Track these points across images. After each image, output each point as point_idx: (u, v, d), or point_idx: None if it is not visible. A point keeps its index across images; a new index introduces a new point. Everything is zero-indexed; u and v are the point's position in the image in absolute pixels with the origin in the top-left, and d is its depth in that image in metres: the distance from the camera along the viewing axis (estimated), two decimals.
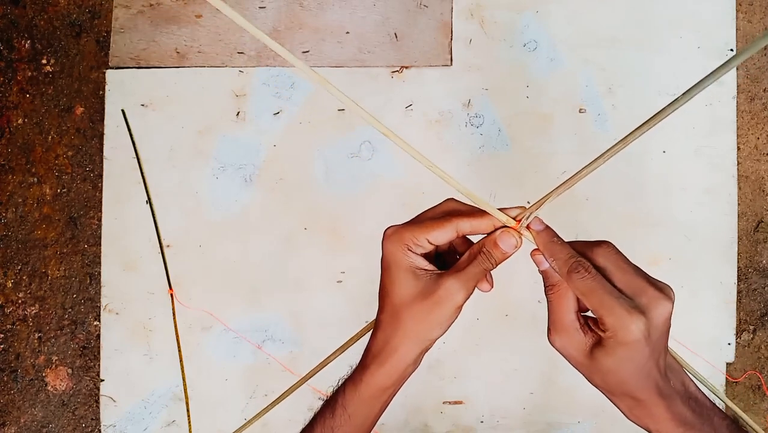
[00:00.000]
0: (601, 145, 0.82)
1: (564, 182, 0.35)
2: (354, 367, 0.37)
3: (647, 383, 0.33)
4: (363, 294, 0.81)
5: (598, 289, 0.32)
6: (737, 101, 0.82)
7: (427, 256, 0.35)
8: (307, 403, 0.77)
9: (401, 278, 0.34)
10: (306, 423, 0.38)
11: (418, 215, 0.36)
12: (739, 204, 0.82)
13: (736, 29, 0.83)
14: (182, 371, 0.80)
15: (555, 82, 0.82)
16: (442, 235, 0.34)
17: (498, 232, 0.35)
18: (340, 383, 0.37)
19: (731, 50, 0.83)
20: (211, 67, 0.83)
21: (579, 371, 0.34)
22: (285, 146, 0.82)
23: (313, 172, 0.82)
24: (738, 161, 0.82)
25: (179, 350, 0.80)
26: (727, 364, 0.81)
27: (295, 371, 0.79)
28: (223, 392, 0.80)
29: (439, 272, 0.34)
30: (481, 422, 0.80)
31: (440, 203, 0.36)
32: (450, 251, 0.39)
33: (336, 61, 0.83)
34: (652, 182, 0.81)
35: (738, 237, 0.81)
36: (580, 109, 0.82)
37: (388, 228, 0.35)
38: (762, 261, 0.83)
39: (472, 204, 0.35)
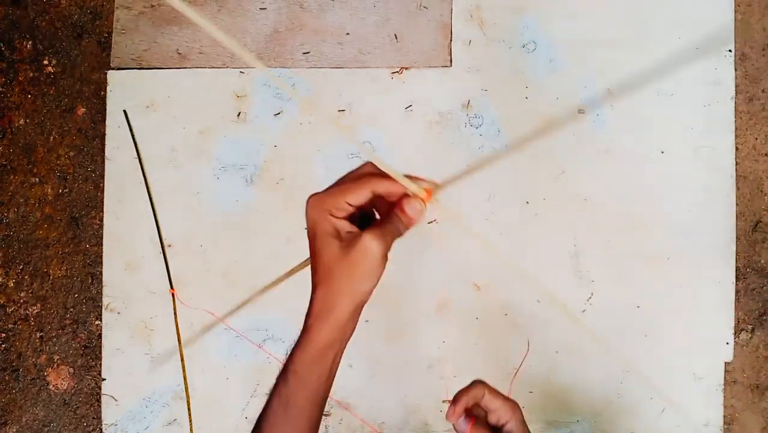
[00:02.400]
0: (600, 145, 0.82)
1: (473, 166, 0.37)
2: (298, 336, 0.39)
3: None
4: None
5: None
6: (735, 102, 0.83)
7: (351, 219, 0.38)
8: None
9: (327, 240, 0.36)
10: (267, 399, 0.40)
11: (337, 180, 0.38)
12: (737, 204, 0.82)
13: (735, 30, 0.83)
14: (183, 370, 0.80)
15: (554, 83, 0.82)
16: (358, 196, 0.36)
17: (406, 199, 0.38)
18: (288, 352, 0.39)
19: (729, 51, 0.83)
20: (212, 68, 0.83)
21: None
22: (285, 147, 0.83)
23: (313, 172, 0.82)
24: (736, 161, 0.82)
25: (180, 350, 0.80)
26: (725, 363, 0.81)
27: None
28: (223, 391, 0.81)
29: (360, 231, 0.37)
30: None
31: (359, 166, 0.39)
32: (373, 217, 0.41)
33: (336, 62, 0.83)
34: (650, 182, 0.82)
35: (736, 237, 0.82)
36: (580, 110, 0.82)
37: (310, 196, 0.37)
38: (760, 261, 0.83)
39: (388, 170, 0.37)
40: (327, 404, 0.79)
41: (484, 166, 0.38)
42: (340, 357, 0.39)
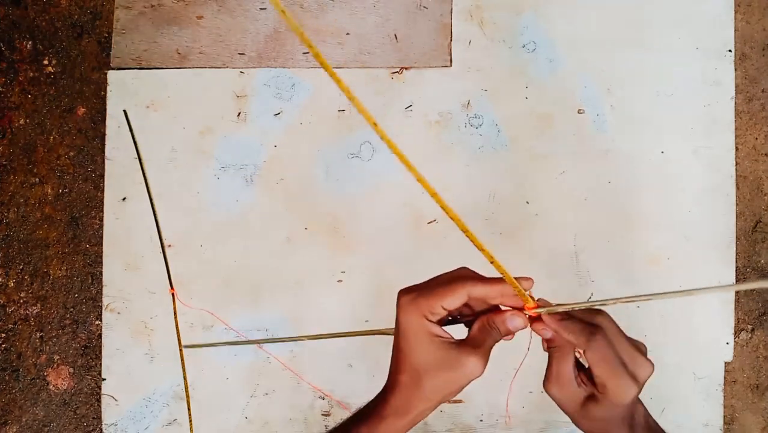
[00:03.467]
0: (600, 145, 0.82)
1: (595, 302, 0.39)
2: (365, 415, 0.39)
3: (623, 424, 0.39)
4: (363, 294, 0.81)
5: (608, 357, 0.37)
6: (735, 102, 0.83)
7: (440, 320, 0.37)
8: (307, 402, 0.78)
9: (421, 345, 0.36)
10: None
11: (430, 280, 0.38)
12: (737, 204, 0.82)
13: (735, 30, 0.83)
14: (183, 370, 0.80)
15: (554, 83, 0.83)
16: (455, 300, 0.36)
17: (509, 314, 0.37)
18: (348, 422, 0.40)
19: (729, 51, 0.83)
20: (212, 68, 0.83)
21: (568, 415, 0.38)
22: (286, 147, 0.83)
23: (313, 173, 0.82)
24: (736, 162, 0.83)
25: (180, 349, 0.80)
26: (725, 363, 0.81)
27: (296, 370, 0.80)
28: (224, 391, 0.81)
29: (455, 340, 0.37)
30: (481, 420, 0.81)
31: (453, 270, 0.39)
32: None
33: (336, 62, 0.83)
34: (650, 183, 0.82)
35: (736, 237, 0.82)
36: (579, 110, 0.82)
37: (403, 294, 0.37)
38: (760, 261, 0.83)
39: (484, 275, 0.38)
40: (327, 404, 0.80)
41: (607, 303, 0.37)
42: None
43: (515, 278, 0.37)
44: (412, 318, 0.36)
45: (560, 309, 0.38)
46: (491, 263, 0.35)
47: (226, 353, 0.81)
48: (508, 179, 0.82)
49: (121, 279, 0.82)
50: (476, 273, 0.38)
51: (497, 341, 0.38)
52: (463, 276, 0.38)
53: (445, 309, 0.36)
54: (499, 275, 0.37)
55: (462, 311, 0.40)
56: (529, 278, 0.38)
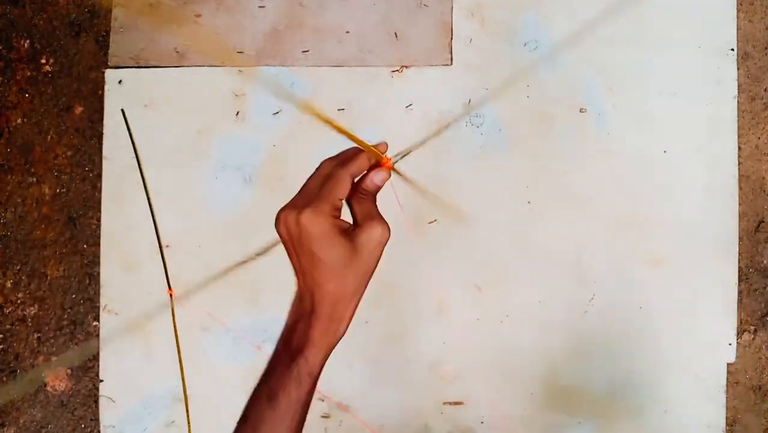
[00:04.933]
0: (602, 145, 0.82)
1: (419, 143, 0.39)
2: (298, 337, 0.39)
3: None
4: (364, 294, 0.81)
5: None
6: (738, 101, 0.82)
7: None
8: None
9: (335, 243, 0.36)
10: (258, 404, 0.40)
11: (303, 188, 0.39)
12: (740, 204, 0.82)
13: (737, 29, 0.83)
14: (181, 372, 0.80)
15: (555, 82, 0.82)
16: (345, 188, 0.37)
17: (372, 173, 0.40)
18: (287, 353, 0.40)
19: (732, 50, 0.83)
20: (211, 66, 0.83)
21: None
22: (285, 146, 0.82)
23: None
24: (739, 161, 0.82)
25: (178, 351, 0.80)
26: (728, 364, 0.81)
27: None
28: (222, 393, 0.80)
29: (350, 225, 0.38)
30: (482, 422, 0.80)
31: (318, 169, 0.40)
32: None
33: (336, 60, 0.83)
34: (652, 182, 0.81)
35: (739, 237, 0.81)
36: (581, 109, 0.82)
37: (303, 212, 0.36)
38: (763, 261, 0.83)
39: (342, 150, 0.40)
40: (327, 405, 0.79)
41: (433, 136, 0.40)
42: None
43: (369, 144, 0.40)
44: (323, 224, 0.36)
45: (405, 154, 0.43)
46: (350, 138, 0.40)
47: (225, 355, 0.81)
48: (509, 179, 0.82)
49: (119, 280, 0.81)
50: (336, 158, 0.40)
51: (374, 198, 0.40)
52: (333, 166, 0.39)
53: (341, 200, 0.37)
54: (353, 146, 0.41)
55: None
56: (384, 142, 0.42)
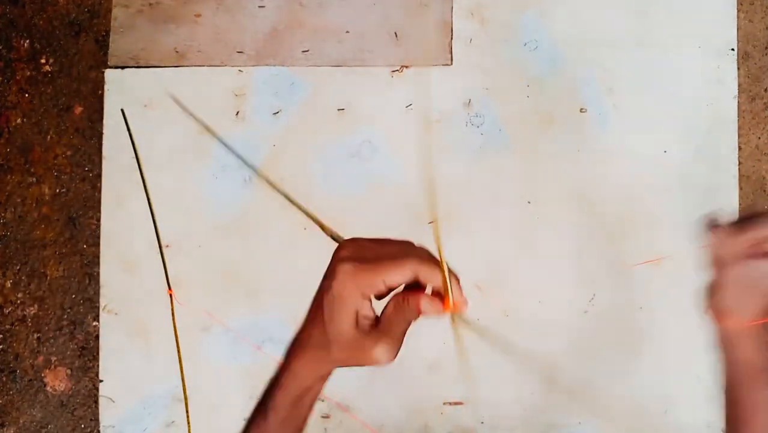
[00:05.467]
0: (602, 145, 0.82)
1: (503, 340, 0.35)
2: (277, 371, 0.38)
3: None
4: None
5: None
6: (738, 101, 0.82)
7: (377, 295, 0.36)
8: None
9: (344, 319, 0.34)
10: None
11: (376, 244, 0.36)
12: (740, 204, 0.82)
13: (737, 29, 0.83)
14: (181, 372, 0.80)
15: (556, 82, 0.82)
16: (399, 278, 0.34)
17: (428, 298, 0.35)
18: (266, 387, 0.39)
19: (732, 50, 0.83)
20: (211, 66, 0.83)
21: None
22: (284, 146, 0.82)
23: (312, 172, 0.82)
24: (739, 161, 0.82)
25: (178, 351, 0.80)
26: None
27: None
28: (222, 393, 0.80)
29: (376, 318, 0.35)
30: (482, 422, 0.80)
31: (402, 242, 0.37)
32: None
33: (336, 60, 0.83)
34: (652, 182, 0.81)
35: None
36: (581, 109, 0.82)
37: (345, 257, 0.35)
38: None
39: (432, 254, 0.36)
40: (326, 406, 0.79)
41: None
42: (322, 390, 0.39)
43: (454, 275, 0.36)
44: (348, 291, 0.34)
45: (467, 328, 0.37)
46: (442, 271, 0.35)
47: (225, 355, 0.81)
48: (509, 179, 0.82)
49: (119, 280, 0.81)
50: (424, 249, 0.36)
51: (410, 324, 0.36)
52: (411, 252, 0.35)
53: (386, 285, 0.34)
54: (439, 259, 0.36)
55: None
56: (464, 297, 0.36)
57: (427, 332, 0.81)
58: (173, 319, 0.80)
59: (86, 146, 0.84)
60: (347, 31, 0.83)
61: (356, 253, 0.35)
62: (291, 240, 0.81)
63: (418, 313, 0.35)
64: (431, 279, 0.35)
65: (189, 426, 0.79)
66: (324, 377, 0.38)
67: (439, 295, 0.35)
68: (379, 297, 0.35)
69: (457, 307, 0.36)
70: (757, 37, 0.84)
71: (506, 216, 0.81)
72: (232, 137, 0.82)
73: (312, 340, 0.36)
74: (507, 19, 0.83)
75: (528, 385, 0.80)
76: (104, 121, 0.83)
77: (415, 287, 0.36)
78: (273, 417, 0.37)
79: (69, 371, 0.82)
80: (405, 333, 0.35)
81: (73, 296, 0.83)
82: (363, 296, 0.34)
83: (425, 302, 0.35)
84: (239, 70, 0.83)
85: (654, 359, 0.80)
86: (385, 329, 0.35)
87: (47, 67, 0.85)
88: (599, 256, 0.81)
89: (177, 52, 0.83)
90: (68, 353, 0.82)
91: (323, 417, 0.80)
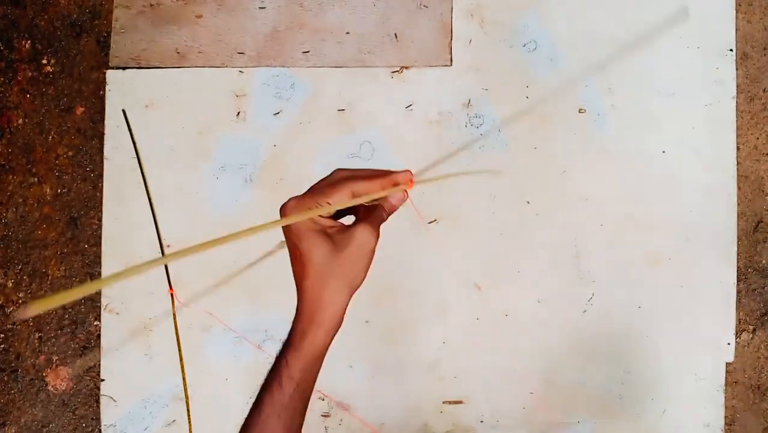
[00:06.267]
0: (601, 145, 0.82)
1: (449, 174, 0.38)
2: (288, 339, 0.39)
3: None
4: (363, 294, 0.81)
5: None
6: (737, 102, 0.82)
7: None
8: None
9: (315, 240, 0.36)
10: (253, 401, 0.39)
11: (312, 185, 0.38)
12: (738, 204, 0.82)
13: (736, 30, 0.83)
14: (182, 371, 0.80)
15: (555, 82, 0.82)
16: (339, 197, 0.36)
17: (389, 191, 0.38)
18: (277, 357, 0.39)
19: (731, 50, 0.83)
20: (212, 67, 0.83)
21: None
22: (285, 146, 0.82)
23: (313, 172, 0.82)
24: (738, 161, 0.82)
25: (179, 350, 0.80)
26: (726, 364, 0.81)
27: None
28: (223, 392, 0.80)
29: (346, 225, 0.37)
30: (481, 421, 0.80)
31: (331, 173, 0.39)
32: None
33: (336, 61, 0.83)
34: (651, 182, 0.81)
35: (737, 237, 0.81)
36: (580, 109, 0.82)
37: (289, 201, 0.37)
38: (761, 261, 0.83)
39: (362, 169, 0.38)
40: (327, 404, 0.79)
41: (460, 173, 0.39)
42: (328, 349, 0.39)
43: (391, 171, 0.38)
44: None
45: (426, 180, 0.41)
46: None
47: (225, 355, 0.81)
48: (508, 179, 0.82)
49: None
50: (354, 170, 0.38)
51: (384, 220, 0.39)
52: (343, 176, 0.37)
53: (329, 203, 0.36)
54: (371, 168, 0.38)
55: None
56: (408, 170, 0.39)
57: (427, 331, 0.82)
58: (174, 319, 0.80)
59: (87, 146, 0.84)
60: (347, 32, 0.83)
61: (297, 196, 0.37)
62: None
63: (390, 207, 0.38)
64: (369, 188, 0.37)
65: (190, 425, 0.80)
66: (338, 324, 0.38)
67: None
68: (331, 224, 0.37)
69: (407, 177, 0.38)
70: (756, 38, 0.84)
71: (506, 216, 0.81)
72: (233, 138, 0.82)
73: (307, 288, 0.37)
74: (506, 20, 0.83)
75: (528, 384, 0.80)
76: (105, 122, 0.83)
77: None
78: (288, 384, 0.37)
79: (70, 371, 0.83)
80: (380, 224, 0.38)
81: None
82: (318, 216, 0.36)
83: (391, 195, 0.38)
84: (240, 71, 0.83)
85: (653, 359, 0.80)
86: (360, 219, 0.37)
87: (49, 68, 0.85)
88: (598, 255, 0.81)
89: (178, 53, 0.83)
90: (69, 352, 0.83)
91: (324, 416, 0.80)
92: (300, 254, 0.37)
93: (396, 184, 0.38)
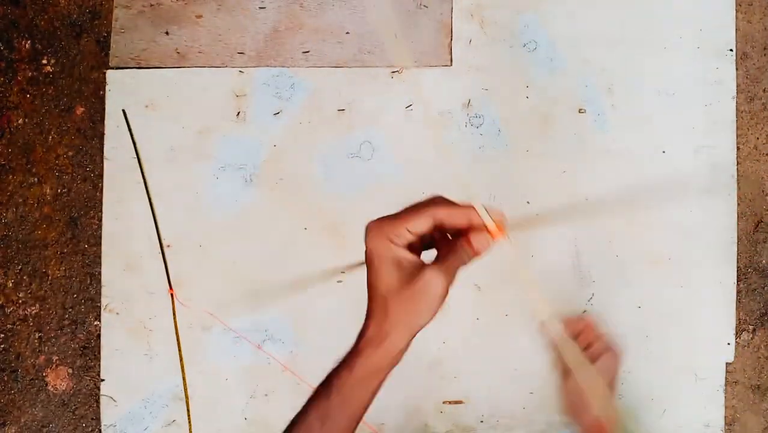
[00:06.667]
0: (601, 145, 0.82)
1: (552, 216, 0.36)
2: (345, 354, 0.38)
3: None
4: (363, 294, 0.81)
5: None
6: (737, 101, 0.82)
7: (411, 247, 0.37)
8: None
9: (386, 269, 0.36)
10: (300, 409, 0.39)
11: (402, 209, 0.38)
12: (738, 204, 0.82)
13: (736, 29, 0.83)
14: (182, 371, 0.80)
15: (555, 82, 0.82)
16: (420, 224, 0.36)
17: (473, 232, 0.37)
18: (333, 369, 0.39)
19: (731, 50, 0.83)
20: (212, 67, 0.83)
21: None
22: (285, 146, 0.82)
23: (313, 172, 0.82)
24: (738, 161, 0.82)
25: (179, 350, 0.80)
26: (726, 364, 0.81)
27: (296, 370, 0.79)
28: (223, 392, 0.80)
29: (421, 262, 0.36)
30: (481, 421, 0.80)
31: (426, 198, 0.38)
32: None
33: (336, 61, 0.83)
34: (651, 182, 0.82)
35: (738, 237, 0.81)
36: (580, 110, 0.82)
37: (370, 223, 0.37)
38: (761, 261, 0.83)
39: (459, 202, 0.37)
40: None
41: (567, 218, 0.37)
42: (383, 383, 0.39)
43: (484, 206, 0.37)
44: (377, 243, 0.35)
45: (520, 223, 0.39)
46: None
47: (225, 355, 0.81)
48: (508, 179, 0.82)
49: (120, 279, 0.81)
50: (447, 199, 0.37)
51: (465, 263, 0.37)
52: (431, 201, 0.37)
53: (410, 232, 0.36)
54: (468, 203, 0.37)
55: (434, 236, 0.39)
56: (501, 212, 0.38)
57: (427, 331, 0.81)
58: (174, 318, 0.80)
59: (87, 147, 0.84)
60: (347, 32, 0.83)
61: (381, 217, 0.37)
62: (291, 240, 0.81)
63: (472, 251, 0.36)
64: (453, 219, 0.36)
65: (190, 425, 0.80)
66: (394, 358, 0.37)
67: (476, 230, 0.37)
68: (412, 249, 0.36)
69: (501, 226, 0.37)
70: (756, 38, 0.84)
71: (506, 216, 0.81)
72: (233, 137, 0.83)
73: (372, 312, 0.37)
74: (506, 20, 0.83)
75: (528, 384, 0.80)
76: (105, 122, 0.83)
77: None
78: (336, 396, 0.37)
79: (70, 371, 0.83)
80: (457, 271, 0.36)
81: (75, 295, 0.83)
82: (393, 242, 0.35)
83: (474, 236, 0.36)
84: (240, 71, 0.83)
85: (653, 359, 0.80)
86: (437, 262, 0.36)
87: (48, 68, 0.85)
88: (598, 255, 0.81)
89: (178, 53, 0.83)
90: (69, 352, 0.83)
91: None
92: (370, 278, 0.36)
93: (485, 228, 0.36)
